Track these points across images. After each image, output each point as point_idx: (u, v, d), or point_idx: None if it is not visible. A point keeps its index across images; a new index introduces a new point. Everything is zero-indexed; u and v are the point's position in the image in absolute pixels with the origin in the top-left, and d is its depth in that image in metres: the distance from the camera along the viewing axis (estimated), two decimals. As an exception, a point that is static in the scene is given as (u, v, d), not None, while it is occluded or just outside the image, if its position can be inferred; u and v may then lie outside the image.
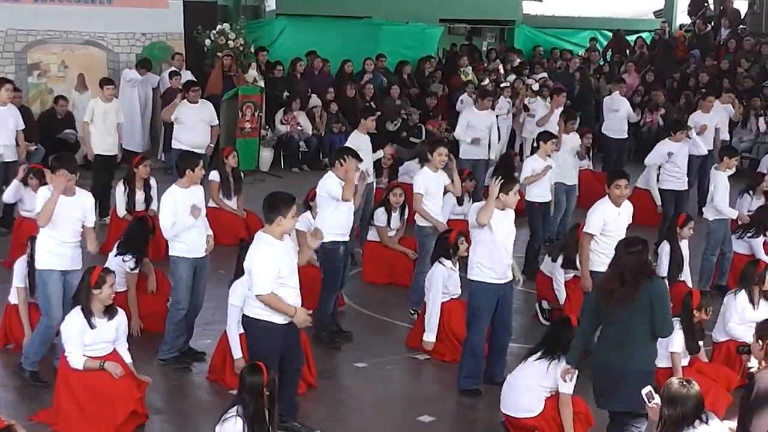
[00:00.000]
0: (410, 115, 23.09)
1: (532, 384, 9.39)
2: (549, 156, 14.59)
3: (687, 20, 31.95)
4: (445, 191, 13.23)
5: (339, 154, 11.84)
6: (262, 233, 8.90)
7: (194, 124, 17.11)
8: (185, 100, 17.36)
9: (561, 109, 17.87)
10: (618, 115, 19.94)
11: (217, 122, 17.68)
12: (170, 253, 10.92)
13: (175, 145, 17.15)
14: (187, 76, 20.99)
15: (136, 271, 11.64)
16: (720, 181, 13.86)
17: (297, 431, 9.30)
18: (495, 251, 10.30)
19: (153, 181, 14.92)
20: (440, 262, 11.67)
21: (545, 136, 14.71)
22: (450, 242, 11.70)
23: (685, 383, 7.23)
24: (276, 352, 8.87)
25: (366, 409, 9.73)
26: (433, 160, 12.95)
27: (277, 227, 8.82)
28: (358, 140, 14.71)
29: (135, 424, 9.33)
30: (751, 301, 10.93)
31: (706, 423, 7.19)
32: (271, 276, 8.70)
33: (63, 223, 10.10)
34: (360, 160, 12.01)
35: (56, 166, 10.10)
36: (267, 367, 7.95)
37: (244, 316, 9.13)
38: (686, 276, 13.19)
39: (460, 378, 10.60)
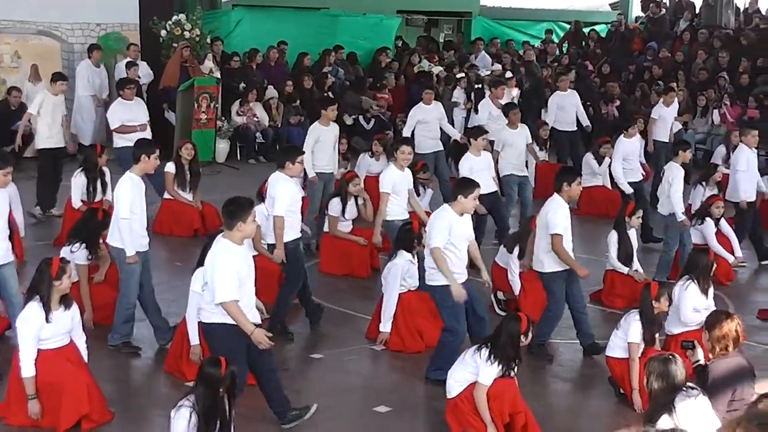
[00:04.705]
0: (373, 108, 23.25)
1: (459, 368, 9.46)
2: (483, 151, 14.60)
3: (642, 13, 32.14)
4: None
5: (287, 154, 11.87)
6: (223, 239, 8.85)
7: (133, 123, 16.68)
8: (120, 98, 17.05)
9: (505, 100, 17.95)
10: (565, 110, 19.99)
11: (148, 119, 17.27)
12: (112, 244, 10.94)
13: (119, 143, 16.58)
14: (143, 67, 20.90)
15: (86, 262, 11.55)
16: (678, 174, 13.98)
17: (296, 417, 9.35)
18: (454, 255, 10.41)
19: (106, 169, 14.88)
20: (401, 254, 11.70)
21: (476, 132, 14.70)
22: (414, 233, 11.72)
23: (670, 357, 7.47)
24: (242, 353, 8.82)
25: (322, 399, 9.71)
26: (397, 158, 13.08)
27: (238, 233, 8.78)
28: (320, 132, 14.77)
29: (95, 423, 9.26)
30: (703, 290, 10.99)
31: (692, 396, 7.44)
32: (233, 283, 8.66)
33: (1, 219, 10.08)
34: (302, 153, 12.10)
35: None
36: (227, 362, 7.97)
37: (202, 324, 9.09)
38: (636, 265, 13.31)
39: (429, 370, 10.62)
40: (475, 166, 14.23)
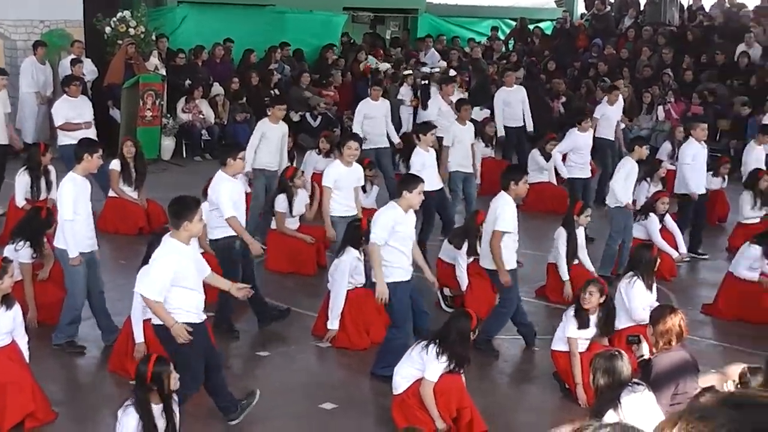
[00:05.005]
0: (320, 106, 23.23)
1: (405, 365, 9.46)
2: (431, 147, 14.62)
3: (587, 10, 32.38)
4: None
5: (228, 150, 11.84)
6: (170, 239, 8.81)
7: (78, 120, 16.62)
8: (65, 95, 16.94)
9: (456, 97, 17.99)
10: (510, 105, 20.06)
11: (93, 118, 17.21)
12: (57, 245, 10.85)
13: (63, 140, 16.41)
14: (87, 64, 20.74)
15: (30, 261, 11.44)
16: (625, 165, 14.12)
17: (246, 406, 9.34)
18: (400, 251, 10.41)
19: (51, 167, 14.74)
20: (348, 250, 11.68)
21: (424, 128, 14.71)
22: (362, 230, 11.70)
23: (616, 354, 7.53)
24: (199, 350, 8.83)
25: (268, 397, 9.68)
26: (343, 154, 13.05)
27: (185, 232, 8.74)
28: (269, 129, 14.74)
29: (39, 422, 9.19)
30: (647, 286, 11.06)
31: (637, 391, 7.52)
32: (163, 285, 8.64)
33: None
34: (243, 149, 12.15)
35: None
36: (161, 359, 7.99)
37: (155, 325, 9.00)
38: (585, 262, 13.36)
39: (376, 367, 10.62)
40: (426, 161, 14.26)
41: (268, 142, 14.88)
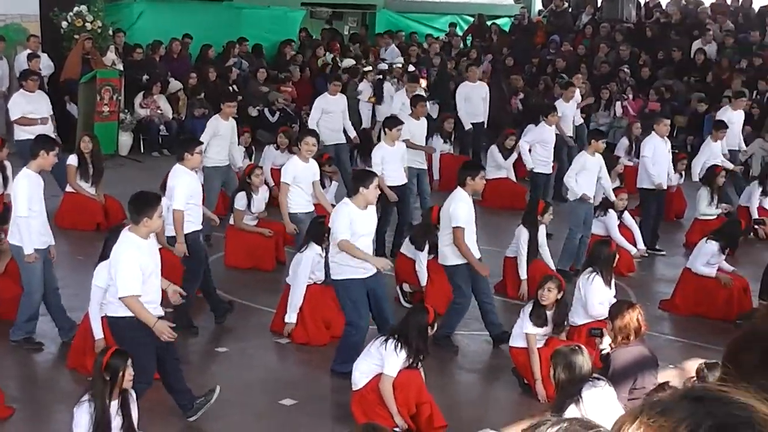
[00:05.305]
0: (279, 101, 23.17)
1: (364, 360, 9.48)
2: (397, 141, 14.59)
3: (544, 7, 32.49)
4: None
5: (185, 145, 11.84)
6: (128, 233, 8.76)
7: (35, 115, 16.49)
8: (22, 90, 16.81)
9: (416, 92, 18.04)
10: (471, 101, 20.09)
11: (53, 112, 17.15)
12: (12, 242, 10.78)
13: (21, 135, 16.20)
14: (43, 58, 20.58)
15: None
16: (578, 159, 14.23)
17: (203, 403, 9.30)
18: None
19: (8, 162, 14.63)
20: (311, 246, 11.66)
21: (391, 123, 14.68)
22: (325, 226, 11.66)
23: (576, 349, 7.57)
24: (150, 346, 8.77)
25: (227, 393, 9.65)
26: (301, 150, 13.02)
27: (144, 228, 8.70)
28: (221, 126, 14.69)
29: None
30: (605, 282, 11.10)
31: (598, 386, 7.57)
32: (136, 279, 8.58)
33: None
34: (200, 143, 12.18)
35: None
36: (120, 352, 7.96)
37: (108, 318, 9.00)
38: (546, 259, 13.39)
39: (335, 363, 10.58)
40: (387, 156, 14.21)
41: (220, 139, 14.85)
